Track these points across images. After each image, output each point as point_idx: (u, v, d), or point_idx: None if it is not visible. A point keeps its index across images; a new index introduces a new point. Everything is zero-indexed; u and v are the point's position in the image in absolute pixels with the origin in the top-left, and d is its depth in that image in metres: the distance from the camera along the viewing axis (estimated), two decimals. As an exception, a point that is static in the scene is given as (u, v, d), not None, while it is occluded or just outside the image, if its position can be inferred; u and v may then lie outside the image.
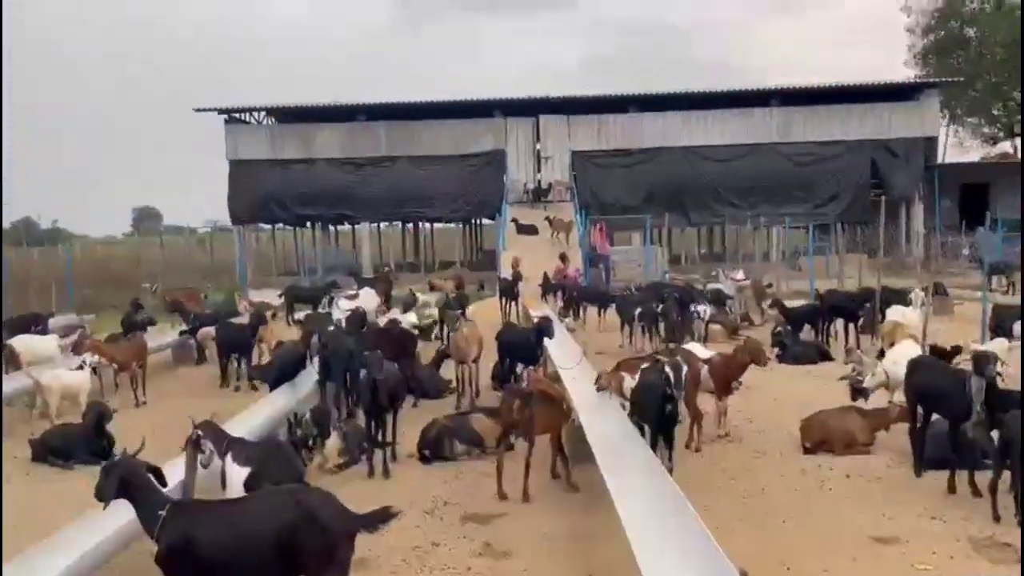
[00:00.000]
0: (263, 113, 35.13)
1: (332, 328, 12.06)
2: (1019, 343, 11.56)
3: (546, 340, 10.86)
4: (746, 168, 31.71)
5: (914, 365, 8.26)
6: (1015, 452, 6.40)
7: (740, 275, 20.63)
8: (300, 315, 17.59)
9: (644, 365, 8.53)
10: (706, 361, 9.61)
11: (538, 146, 33.33)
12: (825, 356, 14.17)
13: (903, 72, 48.07)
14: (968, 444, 7.39)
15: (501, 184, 31.52)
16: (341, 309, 15.97)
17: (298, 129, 33.93)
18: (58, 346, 13.41)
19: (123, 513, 5.02)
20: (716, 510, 6.63)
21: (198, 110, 33.09)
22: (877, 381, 9.69)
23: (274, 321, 15.59)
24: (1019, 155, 43.37)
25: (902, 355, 9.38)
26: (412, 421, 9.69)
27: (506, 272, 20.51)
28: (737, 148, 32.02)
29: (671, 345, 12.98)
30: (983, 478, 7.04)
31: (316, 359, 10.51)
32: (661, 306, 15.19)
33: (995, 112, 47.56)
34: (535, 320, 12.10)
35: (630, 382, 8.58)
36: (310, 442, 8.61)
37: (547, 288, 20.20)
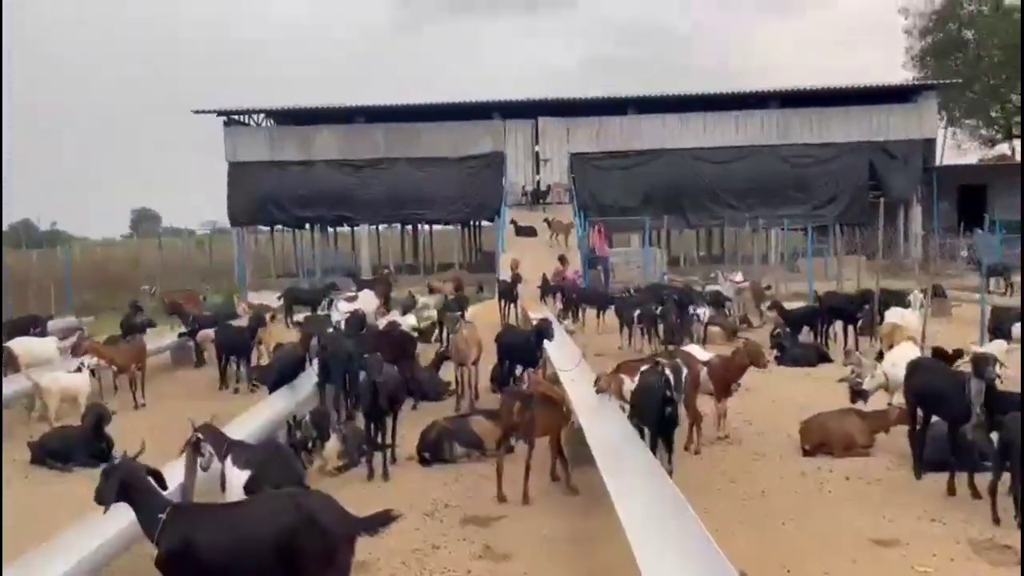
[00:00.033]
0: (262, 115, 35.14)
1: (331, 330, 12.05)
2: (1018, 345, 11.59)
3: (545, 342, 10.85)
4: (745, 170, 31.76)
5: (913, 367, 8.26)
6: (1015, 454, 6.40)
7: (739, 277, 20.64)
8: (299, 317, 17.58)
9: (643, 367, 8.52)
10: (705, 363, 9.62)
11: (537, 148, 33.36)
12: (824, 358, 14.17)
13: (902, 74, 48.22)
14: (967, 446, 7.39)
15: (500, 186, 31.54)
16: (340, 311, 15.96)
17: (297, 131, 33.95)
18: (57, 348, 13.42)
19: (123, 516, 5.02)
20: (716, 512, 6.64)
21: (197, 112, 33.11)
22: (876, 383, 9.70)
23: (273, 323, 15.58)
24: (1017, 157, 43.43)
25: (901, 357, 9.39)
26: (412, 423, 9.68)
27: (505, 274, 20.50)
28: (736, 150, 32.08)
29: (670, 347, 13.00)
30: (983, 480, 7.04)
31: (315, 361, 10.51)
32: (660, 308, 15.20)
33: (993, 114, 47.67)
34: (534, 322, 12.09)
35: (629, 384, 8.58)
36: (309, 444, 8.62)
37: (546, 290, 20.19)
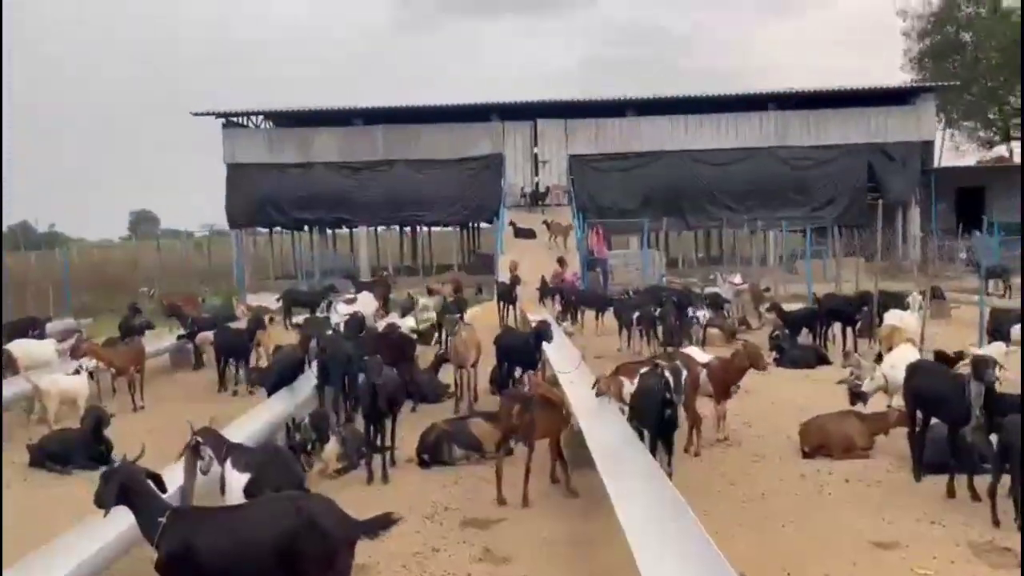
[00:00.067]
0: (260, 117, 35.15)
1: (330, 332, 12.05)
2: (1016, 347, 11.59)
3: (544, 344, 10.85)
4: (743, 172, 31.79)
5: (913, 369, 8.27)
6: (1014, 456, 6.41)
7: (738, 279, 20.66)
8: (298, 319, 17.57)
9: (643, 370, 8.53)
10: (705, 365, 9.63)
11: (536, 150, 33.36)
12: (823, 360, 14.17)
13: (901, 75, 48.30)
14: (967, 448, 7.39)
15: (499, 188, 31.53)
16: (339, 313, 15.97)
17: (296, 133, 33.94)
18: (55, 350, 13.40)
19: (123, 519, 5.01)
20: (716, 515, 6.65)
21: (195, 114, 33.07)
22: (876, 385, 9.70)
23: (272, 325, 15.58)
24: (1015, 158, 43.51)
25: (901, 359, 9.40)
26: (411, 426, 9.68)
27: (504, 276, 20.51)
28: (734, 152, 32.11)
29: (669, 349, 13.00)
30: (982, 482, 7.04)
31: (315, 364, 10.50)
32: (659, 310, 15.20)
33: (991, 116, 47.78)
34: (533, 324, 12.09)
35: (629, 387, 8.59)
36: (309, 447, 8.62)
37: (545, 292, 20.19)
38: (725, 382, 9.48)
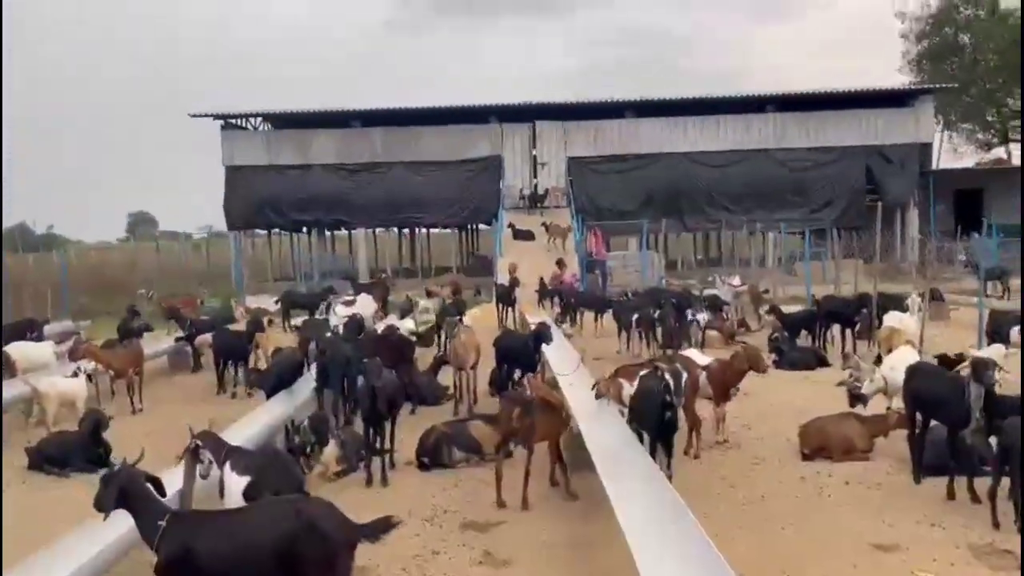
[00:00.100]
0: (259, 119, 35.16)
1: (329, 335, 12.03)
2: (1015, 349, 11.59)
3: (543, 346, 10.85)
4: (742, 174, 31.82)
5: (912, 371, 8.26)
6: (1014, 458, 6.41)
7: (736, 281, 20.68)
8: (297, 321, 17.56)
9: (643, 372, 8.52)
10: (704, 368, 9.62)
11: (534, 152, 33.39)
12: (822, 362, 14.18)
13: (900, 77, 48.39)
14: (967, 450, 7.40)
15: (497, 190, 31.56)
16: (338, 315, 15.96)
17: (294, 135, 33.95)
18: (54, 353, 13.38)
19: (122, 522, 5.00)
20: (715, 517, 6.65)
21: (194, 116, 33.07)
22: (875, 387, 9.70)
23: (270, 327, 15.55)
24: (1013, 160, 43.57)
25: (900, 361, 9.39)
26: (410, 428, 9.67)
27: (503, 278, 20.51)
28: (733, 154, 32.15)
29: (668, 351, 13.01)
30: (982, 484, 7.04)
31: (314, 366, 10.49)
32: (658, 312, 15.20)
33: (989, 118, 47.86)
34: (532, 326, 12.09)
35: (629, 389, 8.57)
36: (308, 450, 8.62)
37: (544, 294, 20.21)
38: (724, 384, 9.48)
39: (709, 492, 7.75)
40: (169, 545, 4.55)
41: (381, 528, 4.72)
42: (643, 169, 32.23)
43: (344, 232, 35.99)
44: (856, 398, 9.76)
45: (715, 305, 18.19)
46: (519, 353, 11.14)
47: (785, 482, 8.16)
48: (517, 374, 11.27)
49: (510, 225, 28.51)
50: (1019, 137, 46.12)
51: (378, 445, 8.62)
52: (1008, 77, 42.52)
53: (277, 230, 35.77)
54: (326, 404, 9.95)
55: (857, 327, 15.45)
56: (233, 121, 33.97)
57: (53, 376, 11.09)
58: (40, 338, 15.24)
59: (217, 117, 33.11)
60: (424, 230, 37.99)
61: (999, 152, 48.45)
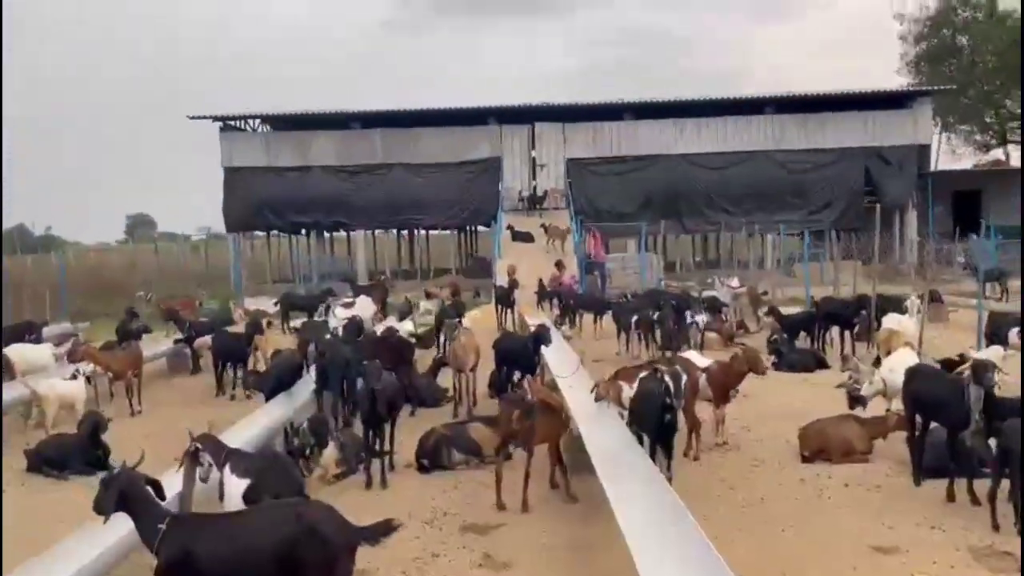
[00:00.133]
0: (258, 120, 35.15)
1: (329, 336, 12.03)
2: (1015, 350, 11.60)
3: (543, 348, 10.85)
4: (741, 175, 31.85)
5: (912, 373, 8.26)
6: (1014, 460, 6.41)
7: (735, 282, 20.68)
8: (296, 323, 17.54)
9: (642, 374, 8.52)
10: (704, 369, 9.62)
11: (533, 153, 33.39)
12: (821, 364, 14.19)
13: (898, 79, 48.44)
14: (967, 453, 7.40)
15: (496, 191, 31.57)
16: (337, 317, 15.95)
17: (293, 136, 33.97)
18: (52, 355, 13.36)
19: (122, 525, 5.00)
20: (715, 519, 6.64)
21: (193, 118, 33.07)
22: (874, 389, 9.71)
23: (269, 329, 15.56)
24: (1011, 161, 43.64)
25: (899, 363, 9.39)
26: (410, 430, 9.67)
27: (502, 280, 20.51)
28: (732, 156, 32.16)
29: (668, 353, 13.00)
30: (982, 487, 7.05)
31: (313, 368, 10.49)
32: (657, 314, 15.20)
33: (987, 120, 47.93)
34: (532, 328, 12.09)
35: (628, 391, 8.57)
36: (307, 452, 8.61)
37: (543, 295, 20.21)
38: (724, 386, 9.48)
39: (709, 494, 7.75)
40: (169, 548, 4.55)
41: (381, 531, 4.72)
42: (642, 171, 32.24)
43: (343, 234, 35.98)
44: (855, 400, 9.77)
45: (714, 307, 18.21)
46: (518, 355, 11.14)
47: (785, 484, 8.16)
48: (516, 376, 11.26)
49: (509, 227, 28.50)
50: (1017, 138, 46.19)
51: (377, 447, 8.61)
52: (1006, 79, 42.58)
53: (276, 232, 35.73)
54: (325, 406, 9.94)
55: (856, 329, 15.46)
56: (232, 122, 33.97)
57: (52, 378, 11.08)
58: (39, 340, 15.21)
59: (216, 119, 33.11)
60: (423, 232, 38.00)
61: (997, 153, 48.56)
